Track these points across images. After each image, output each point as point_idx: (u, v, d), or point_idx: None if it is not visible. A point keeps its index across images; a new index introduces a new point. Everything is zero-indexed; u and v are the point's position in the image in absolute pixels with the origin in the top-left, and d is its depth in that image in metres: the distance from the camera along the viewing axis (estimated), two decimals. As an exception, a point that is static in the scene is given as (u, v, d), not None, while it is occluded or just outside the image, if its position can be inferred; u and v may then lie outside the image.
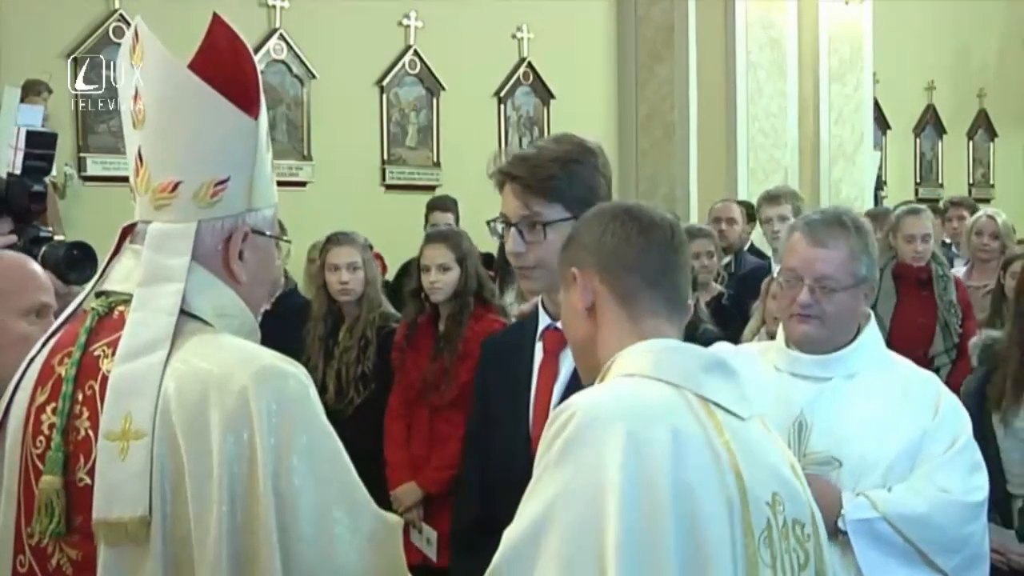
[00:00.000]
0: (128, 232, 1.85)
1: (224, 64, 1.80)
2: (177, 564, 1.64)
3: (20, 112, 5.74)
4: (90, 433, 1.70)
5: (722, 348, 2.66)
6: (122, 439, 1.65)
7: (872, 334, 2.63)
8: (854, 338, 2.60)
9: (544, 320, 2.38)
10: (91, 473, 1.68)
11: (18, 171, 3.40)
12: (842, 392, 2.54)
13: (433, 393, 4.38)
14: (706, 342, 3.26)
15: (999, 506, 3.21)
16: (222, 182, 1.78)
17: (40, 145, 3.56)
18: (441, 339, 4.41)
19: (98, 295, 1.84)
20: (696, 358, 1.70)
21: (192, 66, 1.80)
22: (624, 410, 1.57)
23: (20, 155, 3.48)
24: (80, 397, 1.72)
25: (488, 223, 2.40)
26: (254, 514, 1.62)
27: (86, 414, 1.71)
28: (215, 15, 1.84)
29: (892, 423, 2.50)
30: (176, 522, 1.64)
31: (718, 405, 1.65)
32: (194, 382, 1.67)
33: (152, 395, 1.66)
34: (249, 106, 1.79)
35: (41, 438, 1.72)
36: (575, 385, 2.20)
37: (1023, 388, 3.33)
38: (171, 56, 1.79)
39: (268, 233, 1.88)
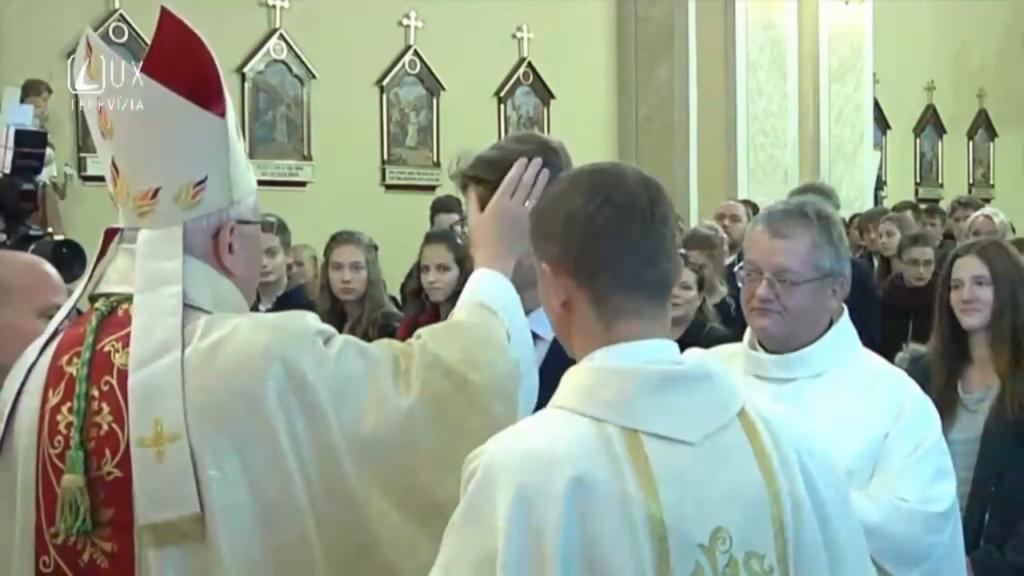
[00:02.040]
0: (111, 236, 1.85)
1: (181, 63, 1.79)
2: (245, 555, 1.66)
3: (10, 111, 5.72)
4: (114, 427, 1.70)
5: (690, 353, 2.55)
6: (155, 444, 1.66)
7: (842, 330, 2.49)
8: (822, 335, 2.46)
9: None
10: (121, 466, 1.69)
11: (8, 170, 3.40)
12: (804, 394, 2.40)
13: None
14: (712, 342, 3.20)
15: None
16: (200, 183, 1.78)
17: (30, 144, 3.55)
18: (442, 338, 4.41)
19: (95, 297, 1.84)
20: (636, 380, 1.55)
21: (148, 66, 1.78)
22: (522, 463, 1.47)
23: (10, 154, 3.47)
24: (96, 394, 1.72)
25: (451, 226, 2.36)
26: (333, 459, 1.67)
27: (106, 409, 1.71)
28: (163, 9, 1.82)
29: (853, 425, 2.36)
30: (245, 500, 1.67)
31: (655, 435, 1.51)
32: (223, 362, 1.69)
33: (177, 395, 1.67)
34: (214, 104, 1.79)
35: (59, 438, 1.72)
36: (542, 377, 2.17)
37: (955, 403, 3.16)
38: (129, 66, 1.79)
39: (253, 220, 1.89)
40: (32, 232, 3.26)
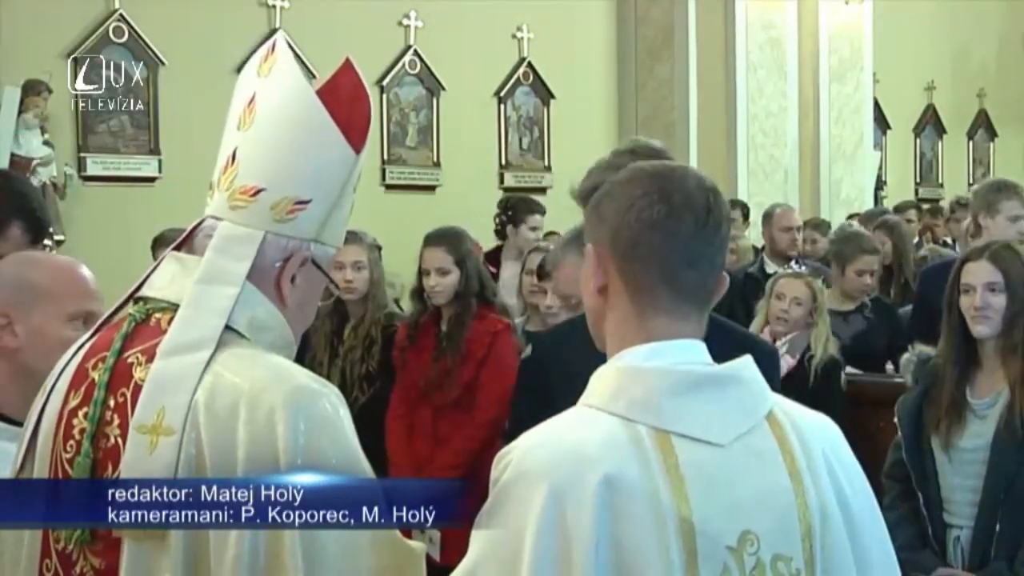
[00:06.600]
0: (196, 228, 1.84)
1: (343, 100, 1.83)
2: (196, 562, 1.63)
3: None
4: (119, 440, 1.69)
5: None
6: (152, 433, 1.65)
7: None
8: None
9: None
10: None
11: None
12: None
13: (436, 393, 4.37)
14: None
15: (935, 537, 3.11)
16: (303, 202, 1.79)
17: None
18: (444, 339, 4.40)
19: (137, 300, 1.83)
20: (665, 380, 1.55)
21: (318, 89, 1.83)
22: (554, 461, 1.49)
23: None
24: (112, 403, 1.71)
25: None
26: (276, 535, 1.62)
27: (116, 421, 1.70)
28: (347, 60, 1.89)
29: None
30: None
31: (685, 436, 1.52)
32: (224, 396, 1.66)
33: (188, 394, 1.66)
34: (355, 141, 1.82)
35: (72, 443, 1.72)
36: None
37: (964, 409, 3.15)
38: (302, 76, 1.84)
39: (324, 269, 1.88)
40: None
